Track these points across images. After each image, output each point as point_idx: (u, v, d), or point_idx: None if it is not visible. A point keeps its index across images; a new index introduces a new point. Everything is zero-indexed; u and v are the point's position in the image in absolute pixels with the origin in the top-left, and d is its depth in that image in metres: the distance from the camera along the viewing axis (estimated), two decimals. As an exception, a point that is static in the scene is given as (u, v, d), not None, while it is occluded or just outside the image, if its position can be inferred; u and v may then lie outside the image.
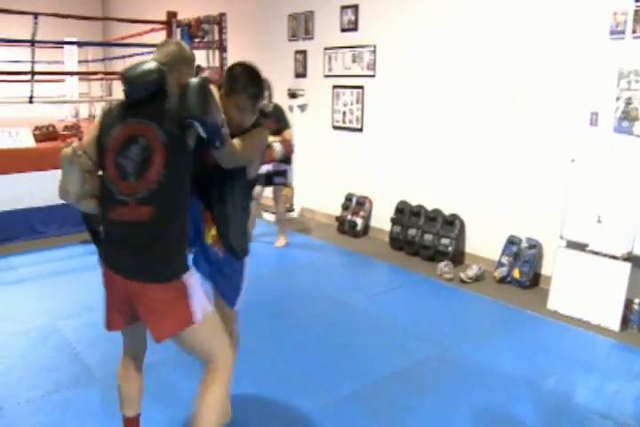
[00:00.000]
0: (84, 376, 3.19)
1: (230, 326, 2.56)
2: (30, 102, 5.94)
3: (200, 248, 2.45)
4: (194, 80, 1.96)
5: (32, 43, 5.97)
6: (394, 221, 5.64)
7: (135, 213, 1.98)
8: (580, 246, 4.13)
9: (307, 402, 2.94)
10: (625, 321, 3.93)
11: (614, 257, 3.96)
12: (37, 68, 6.08)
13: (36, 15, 5.75)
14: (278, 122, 5.21)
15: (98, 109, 8.61)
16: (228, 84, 2.27)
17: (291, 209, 6.73)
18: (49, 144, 5.78)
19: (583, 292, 4.06)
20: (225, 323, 2.51)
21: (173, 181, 1.99)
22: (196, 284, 2.09)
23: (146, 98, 2.05)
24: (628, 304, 3.93)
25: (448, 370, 3.32)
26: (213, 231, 2.39)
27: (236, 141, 2.23)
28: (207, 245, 2.39)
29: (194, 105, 1.90)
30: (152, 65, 2.05)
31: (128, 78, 2.05)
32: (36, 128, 6.05)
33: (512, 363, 3.38)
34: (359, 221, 6.03)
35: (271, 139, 5.25)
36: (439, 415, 2.86)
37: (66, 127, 6.59)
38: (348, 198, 6.25)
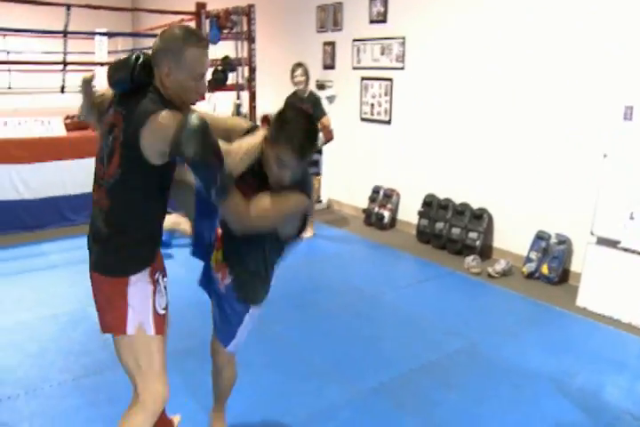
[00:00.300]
0: (113, 362, 3.20)
1: (220, 363, 2.32)
2: (62, 92, 6.02)
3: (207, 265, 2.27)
4: (193, 121, 1.66)
5: (64, 34, 6.04)
6: (421, 215, 5.61)
7: (100, 198, 1.93)
8: (612, 243, 4.06)
9: (333, 393, 2.95)
10: (656, 320, 3.87)
11: (646, 254, 3.90)
12: (69, 58, 6.15)
13: (68, 7, 5.81)
14: (314, 108, 5.26)
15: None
16: (275, 129, 1.91)
17: (318, 200, 6.73)
18: (79, 133, 5.84)
19: (614, 289, 4.00)
20: (217, 359, 2.32)
21: (126, 184, 1.87)
22: (141, 292, 1.94)
23: (133, 89, 1.88)
24: (660, 302, 3.87)
25: (475, 365, 3.30)
26: (220, 256, 2.16)
27: (262, 201, 1.92)
28: (212, 266, 2.20)
29: (185, 147, 1.66)
30: (127, 59, 1.89)
31: (108, 72, 1.94)
32: (67, 117, 6.12)
33: (540, 359, 3.35)
34: (386, 213, 6.01)
35: None
36: (465, 409, 2.85)
37: (96, 117, 6.66)
38: (376, 191, 6.24)
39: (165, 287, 2.06)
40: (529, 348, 3.50)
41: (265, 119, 5.42)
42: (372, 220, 6.15)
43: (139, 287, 1.93)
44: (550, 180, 4.65)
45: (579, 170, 4.43)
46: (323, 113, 5.37)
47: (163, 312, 2.00)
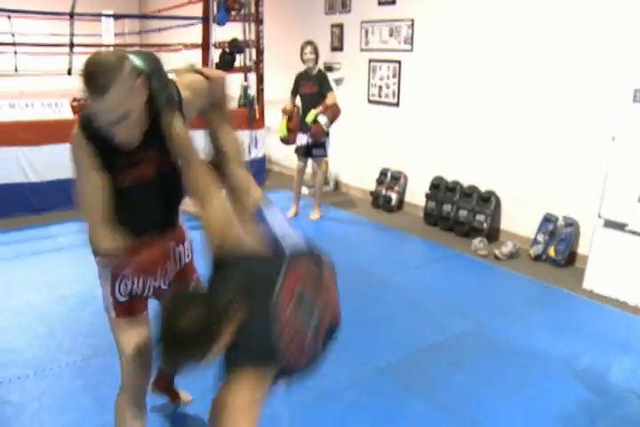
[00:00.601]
0: (122, 343, 3.25)
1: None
2: (69, 74, 6.00)
3: None
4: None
5: (71, 15, 6.02)
6: (429, 197, 5.60)
7: None
8: (619, 226, 4.04)
9: (340, 374, 2.97)
10: (663, 302, 3.87)
11: (654, 237, 3.88)
12: (75, 40, 6.12)
13: (75, -12, 5.80)
14: (320, 85, 5.30)
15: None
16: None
17: (325, 183, 6.73)
18: (87, 116, 5.84)
19: (621, 272, 3.99)
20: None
21: None
22: (103, 275, 1.99)
23: None
24: (668, 285, 3.87)
25: (482, 346, 3.31)
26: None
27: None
28: None
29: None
30: None
31: None
32: (75, 100, 6.11)
33: (546, 341, 3.36)
34: (394, 195, 6.00)
35: (313, 112, 5.31)
36: (472, 390, 2.87)
37: (103, 99, 6.63)
38: (383, 173, 6.22)
39: (145, 281, 2.02)
40: (535, 329, 3.51)
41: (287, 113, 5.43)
42: (379, 202, 6.14)
43: (102, 270, 2.00)
44: (558, 162, 4.61)
45: (587, 153, 4.40)
46: (329, 88, 5.37)
47: (122, 300, 2.00)
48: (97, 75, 1.56)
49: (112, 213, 1.82)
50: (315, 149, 5.45)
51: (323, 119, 5.22)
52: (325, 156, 5.63)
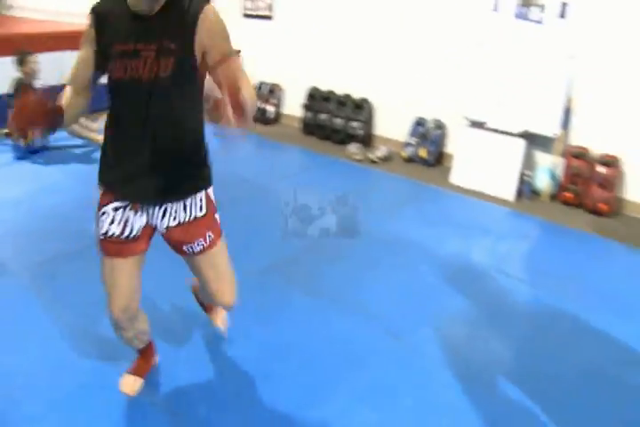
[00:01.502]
0: None
1: None
2: None
3: None
4: None
5: None
6: (305, 107, 5.68)
7: None
8: (480, 125, 4.36)
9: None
10: (520, 192, 4.27)
11: (511, 134, 4.21)
12: None
13: None
14: None
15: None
16: None
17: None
18: None
19: (482, 167, 4.35)
20: None
21: None
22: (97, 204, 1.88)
23: None
24: (521, 177, 4.26)
25: (359, 239, 3.54)
26: None
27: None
28: None
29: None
30: None
31: None
32: None
33: (417, 231, 3.65)
34: (271, 108, 6.02)
35: None
36: (351, 278, 3.10)
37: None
38: (259, 86, 6.17)
39: (126, 221, 1.83)
40: (408, 222, 3.79)
41: None
42: (256, 115, 6.13)
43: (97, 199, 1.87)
44: (427, 68, 4.81)
45: (454, 58, 4.61)
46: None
47: (101, 237, 1.85)
48: None
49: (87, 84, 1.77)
50: None
51: None
52: None
